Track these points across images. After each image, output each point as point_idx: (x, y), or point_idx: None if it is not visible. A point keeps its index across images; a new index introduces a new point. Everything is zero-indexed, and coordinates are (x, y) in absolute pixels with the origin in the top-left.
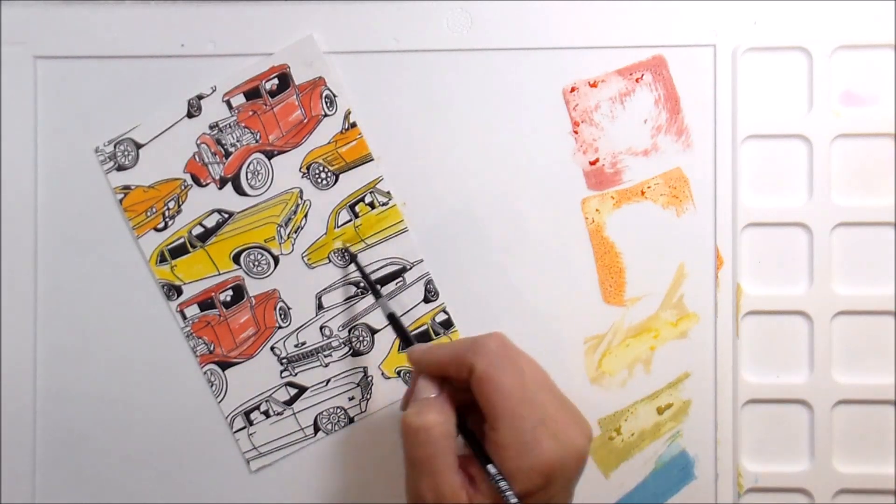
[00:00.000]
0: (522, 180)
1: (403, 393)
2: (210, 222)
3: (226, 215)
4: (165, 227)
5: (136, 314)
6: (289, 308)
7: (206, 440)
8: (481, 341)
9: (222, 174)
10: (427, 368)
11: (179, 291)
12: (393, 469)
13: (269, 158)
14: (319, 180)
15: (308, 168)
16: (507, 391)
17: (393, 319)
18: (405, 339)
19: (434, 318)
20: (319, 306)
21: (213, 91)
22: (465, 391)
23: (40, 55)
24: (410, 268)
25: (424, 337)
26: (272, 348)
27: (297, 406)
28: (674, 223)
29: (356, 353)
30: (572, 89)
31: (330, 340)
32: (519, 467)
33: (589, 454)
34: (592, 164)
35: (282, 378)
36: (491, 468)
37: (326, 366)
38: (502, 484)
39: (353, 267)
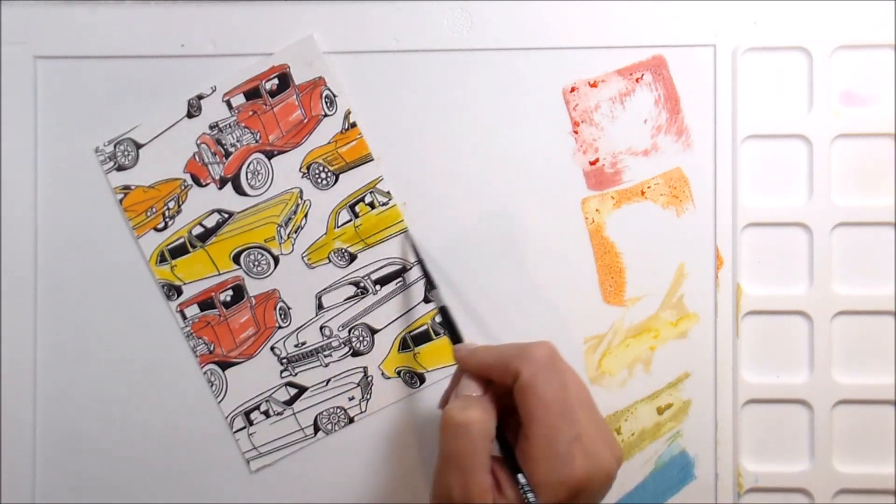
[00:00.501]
0: (522, 180)
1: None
2: (210, 222)
3: (226, 215)
4: (165, 227)
5: (136, 314)
6: (289, 308)
7: (206, 440)
8: (530, 350)
9: (222, 174)
10: (472, 369)
11: (179, 291)
12: (393, 469)
13: (269, 158)
14: (319, 180)
15: (308, 168)
16: (548, 403)
17: (444, 312)
18: (454, 334)
19: (434, 318)
20: (319, 306)
21: (213, 91)
22: (506, 396)
23: (40, 55)
24: (410, 268)
25: (424, 337)
26: (272, 348)
27: (297, 406)
28: (674, 223)
29: (356, 353)
30: (572, 89)
31: (330, 340)
32: (548, 481)
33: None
34: (592, 164)
35: (282, 378)
36: (521, 477)
37: (326, 366)
38: (529, 496)
39: (353, 266)
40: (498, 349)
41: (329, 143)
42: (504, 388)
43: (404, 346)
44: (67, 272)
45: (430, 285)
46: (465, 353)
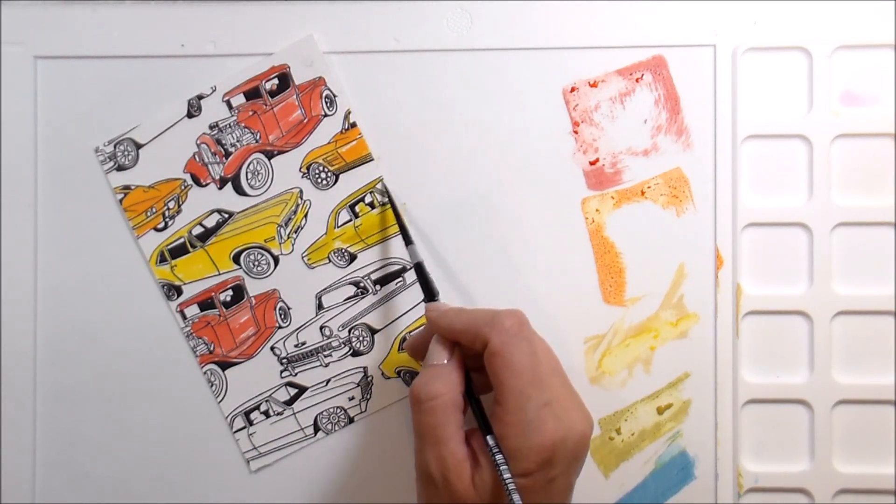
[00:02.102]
0: (522, 180)
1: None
2: (210, 222)
3: (226, 215)
4: (165, 227)
5: (136, 314)
6: (289, 308)
7: (206, 440)
8: (500, 317)
9: (222, 174)
10: (441, 332)
11: (179, 291)
12: (393, 469)
13: (269, 158)
14: (319, 180)
15: (308, 168)
16: (518, 370)
17: (419, 269)
18: (428, 291)
19: None
20: (319, 306)
21: (213, 91)
22: (476, 358)
23: (40, 55)
24: (410, 268)
25: None
26: (272, 348)
27: (297, 406)
28: (674, 223)
29: (356, 353)
30: (572, 89)
31: (330, 340)
32: (520, 446)
33: (590, 444)
34: (592, 164)
35: (282, 378)
36: (490, 439)
37: (326, 366)
38: (498, 457)
39: (353, 266)
40: (468, 314)
41: (329, 143)
42: (473, 351)
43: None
44: (67, 272)
45: (406, 240)
46: (436, 314)
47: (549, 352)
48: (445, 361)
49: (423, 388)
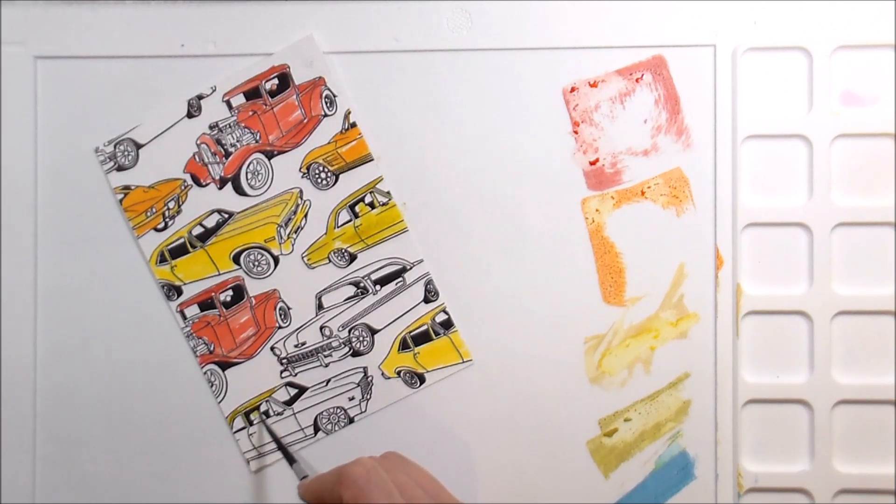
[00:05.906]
0: (522, 180)
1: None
2: (210, 222)
3: (226, 215)
4: (165, 227)
5: (136, 314)
6: (289, 308)
7: (206, 440)
8: (346, 471)
9: (222, 174)
10: (311, 500)
11: (179, 291)
12: None
13: (269, 158)
14: (319, 180)
15: (308, 168)
16: None
17: (281, 447)
18: (289, 457)
19: (434, 318)
20: (319, 306)
21: (213, 91)
22: None
23: (40, 55)
24: (410, 268)
25: (424, 337)
26: (272, 348)
27: (297, 406)
28: (674, 223)
29: (356, 353)
30: (572, 89)
31: (330, 340)
32: None
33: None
34: (592, 164)
35: (282, 378)
36: None
37: (326, 366)
38: None
39: (353, 266)
40: (320, 479)
41: (329, 143)
42: None
43: (404, 346)
44: (67, 272)
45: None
46: (301, 489)
47: (409, 485)
48: None
49: None
